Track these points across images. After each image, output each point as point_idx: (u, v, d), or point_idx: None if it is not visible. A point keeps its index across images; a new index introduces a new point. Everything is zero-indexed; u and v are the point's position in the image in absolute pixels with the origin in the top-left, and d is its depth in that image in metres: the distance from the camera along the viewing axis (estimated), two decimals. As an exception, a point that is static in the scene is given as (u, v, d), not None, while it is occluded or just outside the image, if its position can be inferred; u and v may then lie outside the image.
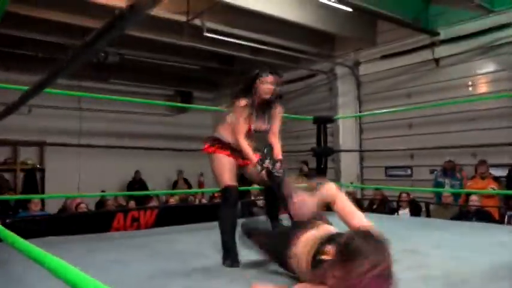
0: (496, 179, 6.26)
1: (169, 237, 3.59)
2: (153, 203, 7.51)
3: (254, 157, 2.55)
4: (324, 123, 5.32)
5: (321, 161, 5.52)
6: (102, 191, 8.33)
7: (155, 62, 9.10)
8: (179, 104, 10.07)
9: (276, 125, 2.75)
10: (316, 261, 1.75)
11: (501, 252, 2.71)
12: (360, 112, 8.48)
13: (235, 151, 2.64)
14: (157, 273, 2.28)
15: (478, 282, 2.01)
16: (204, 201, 7.91)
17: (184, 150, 9.85)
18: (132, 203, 7.74)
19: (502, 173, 6.39)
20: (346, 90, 8.71)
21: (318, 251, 1.76)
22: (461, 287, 1.91)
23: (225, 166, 2.60)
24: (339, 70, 8.81)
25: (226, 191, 2.58)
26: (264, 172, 2.50)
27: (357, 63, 8.55)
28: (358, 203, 7.08)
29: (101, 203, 8.30)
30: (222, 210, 2.60)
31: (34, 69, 7.75)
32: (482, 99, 6.65)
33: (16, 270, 2.26)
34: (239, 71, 10.14)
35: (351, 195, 7.18)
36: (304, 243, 1.90)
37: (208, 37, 7.26)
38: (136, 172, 10.07)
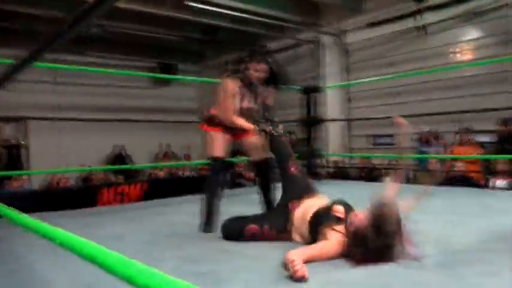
0: (480, 145, 6.36)
1: (160, 209, 3.57)
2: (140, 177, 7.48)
3: (251, 125, 2.63)
4: (312, 92, 5.29)
5: (310, 131, 5.53)
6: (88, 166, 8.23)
7: (136, 34, 8.83)
8: (164, 76, 9.83)
9: (270, 100, 2.81)
10: (321, 216, 1.99)
11: (490, 215, 2.77)
12: (347, 81, 8.45)
13: (229, 128, 2.71)
14: (154, 245, 2.27)
15: (473, 245, 2.04)
16: (187, 173, 7.88)
17: (169, 122, 9.70)
18: (120, 178, 7.69)
19: (485, 139, 6.49)
20: (332, 59, 8.65)
21: (325, 208, 2.02)
22: (457, 251, 1.93)
23: (217, 140, 2.71)
24: (325, 39, 8.71)
25: (213, 160, 2.70)
26: (266, 136, 2.56)
27: (343, 32, 8.46)
28: (345, 172, 7.25)
29: (86, 179, 8.23)
30: (208, 178, 2.71)
31: (11, 43, 7.48)
32: (467, 66, 6.68)
33: (17, 247, 2.24)
34: (223, 41, 9.96)
35: (338, 164, 7.28)
36: (304, 210, 2.13)
37: (190, 6, 7.07)
38: (120, 147, 9.96)
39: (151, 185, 5.82)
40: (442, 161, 6.35)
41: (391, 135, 8.02)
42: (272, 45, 9.82)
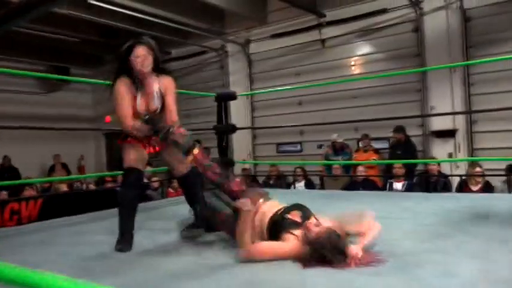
0: (377, 151, 6.91)
1: (74, 228, 3.17)
2: (31, 193, 6.65)
3: (144, 128, 2.37)
4: (226, 100, 5.23)
5: (222, 139, 5.44)
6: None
7: (25, 32, 7.93)
8: (58, 76, 8.91)
9: (170, 99, 2.49)
10: (278, 222, 2.05)
11: (413, 217, 2.97)
12: (251, 90, 8.58)
13: (145, 139, 2.47)
14: (88, 272, 1.98)
15: (416, 247, 2.14)
16: (91, 186, 7.27)
17: (62, 130, 8.89)
18: (3, 194, 6.76)
19: (381, 145, 7.08)
20: (237, 68, 8.73)
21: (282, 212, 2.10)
22: (404, 253, 2.01)
23: (130, 151, 2.45)
24: (230, 47, 8.77)
25: (126, 171, 2.46)
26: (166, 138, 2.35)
27: (248, 41, 8.59)
28: (254, 179, 7.32)
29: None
30: (120, 191, 2.48)
31: None
32: (362, 79, 7.21)
33: None
34: (123, 45, 9.44)
35: (246, 172, 7.31)
36: (261, 215, 2.14)
37: (88, 4, 6.56)
38: (5, 158, 8.82)
39: (49, 202, 5.23)
40: (347, 166, 6.76)
41: (294, 143, 8.34)
42: (177, 51, 9.62)
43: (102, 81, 4.46)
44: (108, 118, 11.47)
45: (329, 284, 1.62)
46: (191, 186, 2.65)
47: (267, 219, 2.10)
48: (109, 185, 7.06)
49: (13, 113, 8.95)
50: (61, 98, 10.56)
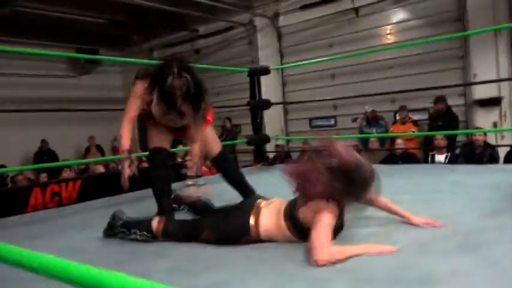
0: (415, 122, 6.64)
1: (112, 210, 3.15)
2: (69, 175, 6.77)
3: (125, 144, 2.25)
4: (259, 75, 5.08)
5: (256, 115, 5.32)
6: (2, 166, 7.32)
7: (52, 15, 7.94)
8: (90, 56, 8.94)
9: (197, 131, 2.36)
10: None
11: (465, 190, 2.79)
12: (281, 64, 8.37)
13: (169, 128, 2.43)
14: (136, 256, 1.93)
15: (483, 224, 1.99)
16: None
17: (95, 111, 8.95)
18: (43, 176, 6.93)
19: (420, 116, 6.79)
20: (266, 42, 8.51)
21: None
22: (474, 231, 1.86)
23: (155, 132, 2.41)
24: (258, 22, 8.53)
25: (151, 152, 2.44)
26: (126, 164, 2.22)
27: (277, 15, 8.33)
28: (288, 155, 7.20)
29: (2, 179, 7.35)
30: (150, 173, 2.42)
31: None
32: (398, 48, 6.89)
33: None
34: (150, 24, 9.37)
35: (280, 148, 7.20)
36: (268, 212, 1.92)
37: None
38: (43, 141, 9.02)
39: (87, 183, 5.28)
40: (383, 139, 6.54)
41: (328, 117, 8.14)
42: (204, 28, 9.47)
43: (132, 59, 4.47)
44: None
45: (396, 263, 1.50)
46: (224, 167, 2.64)
47: (282, 212, 1.88)
48: (144, 165, 7.09)
49: (46, 97, 9.10)
50: (91, 80, 10.65)
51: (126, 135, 2.26)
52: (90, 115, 9.36)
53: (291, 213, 1.85)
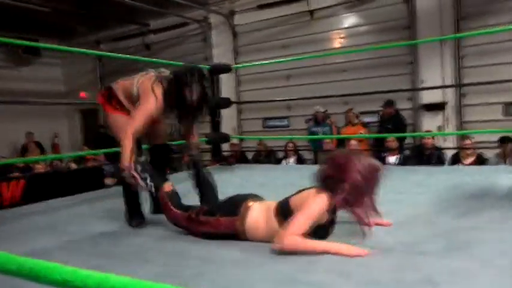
0: (365, 125, 6.86)
1: (71, 211, 2.94)
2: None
3: (126, 160, 2.11)
4: (220, 73, 5.00)
5: (215, 114, 5.24)
6: None
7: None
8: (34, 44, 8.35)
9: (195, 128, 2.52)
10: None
11: (429, 190, 2.90)
12: (235, 64, 8.30)
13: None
14: (103, 259, 1.79)
15: (451, 220, 2.07)
16: (72, 165, 6.93)
17: (34, 104, 8.40)
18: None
19: (371, 119, 7.02)
20: (221, 40, 8.41)
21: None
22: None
23: (123, 128, 2.24)
24: (213, 19, 8.41)
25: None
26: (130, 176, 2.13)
27: (232, 13, 8.26)
28: (243, 155, 7.16)
29: None
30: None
31: None
32: (351, 52, 7.07)
33: None
34: (98, 16, 8.93)
35: (235, 147, 7.13)
36: (258, 209, 1.91)
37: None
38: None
39: (32, 182, 4.91)
40: (336, 140, 6.69)
41: (281, 118, 8.19)
42: (156, 23, 9.19)
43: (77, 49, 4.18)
44: (83, 94, 11.01)
45: (392, 264, 1.50)
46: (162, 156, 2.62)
47: (272, 210, 1.87)
48: (90, 163, 6.75)
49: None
50: (31, 72, 9.98)
51: (129, 151, 2.11)
52: (28, 109, 8.76)
53: (283, 210, 1.83)
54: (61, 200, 3.40)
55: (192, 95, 2.15)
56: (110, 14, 8.82)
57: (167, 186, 2.16)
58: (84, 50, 5.72)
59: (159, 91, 2.19)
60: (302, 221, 1.69)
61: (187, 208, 2.08)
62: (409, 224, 2.07)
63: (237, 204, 1.93)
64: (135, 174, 2.10)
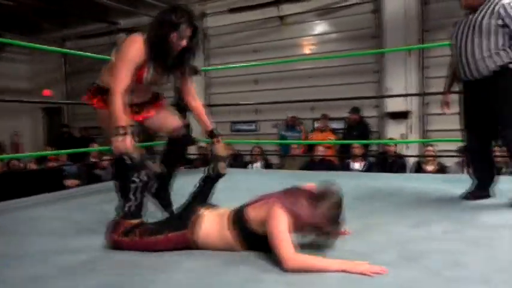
0: (333, 131, 6.94)
1: (20, 215, 2.82)
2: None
3: (122, 120, 1.90)
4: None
5: (184, 117, 5.15)
6: None
7: None
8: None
9: (192, 85, 2.28)
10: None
11: (380, 197, 2.94)
12: (205, 66, 8.24)
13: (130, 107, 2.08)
14: (50, 269, 1.71)
15: (406, 229, 2.09)
16: (32, 165, 6.68)
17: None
18: None
19: (337, 125, 7.11)
20: (190, 42, 8.32)
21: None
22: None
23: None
24: (183, 20, 8.32)
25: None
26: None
27: (203, 15, 8.20)
28: (207, 158, 7.08)
29: None
30: (118, 175, 2.19)
31: None
32: (320, 59, 7.15)
33: None
34: (65, 12, 8.70)
35: (203, 150, 7.06)
36: (211, 218, 1.85)
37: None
38: None
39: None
40: (302, 145, 6.74)
41: (249, 122, 8.18)
42: (125, 22, 9.03)
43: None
44: (46, 91, 10.72)
45: (341, 278, 1.50)
46: (181, 148, 2.45)
47: (225, 218, 1.82)
48: (51, 164, 6.53)
49: None
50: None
51: (122, 111, 1.91)
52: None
53: (238, 220, 1.78)
54: (14, 202, 3.25)
55: (181, 37, 1.95)
56: (78, 11, 8.60)
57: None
58: (48, 47, 5.54)
59: (137, 37, 1.97)
60: (285, 241, 1.60)
61: (130, 230, 1.89)
62: (365, 233, 2.08)
63: (185, 216, 1.87)
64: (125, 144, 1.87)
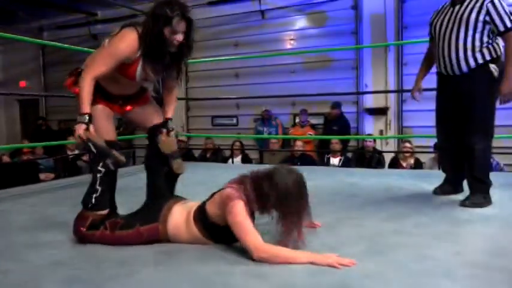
0: (313, 126, 6.98)
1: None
2: None
3: (86, 107, 1.83)
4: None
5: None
6: None
7: None
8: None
9: (176, 80, 2.12)
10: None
11: (355, 192, 2.98)
12: (185, 60, 8.17)
13: (110, 97, 2.02)
14: (11, 263, 1.68)
15: (375, 223, 2.13)
16: (5, 158, 6.53)
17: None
18: None
19: (316, 121, 7.15)
20: (171, 35, 8.23)
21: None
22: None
23: (99, 117, 1.97)
24: (163, 13, 8.21)
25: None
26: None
27: (183, 7, 8.11)
28: (190, 153, 7.06)
29: None
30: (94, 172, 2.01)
31: None
32: (300, 53, 7.19)
33: None
34: (41, 2, 8.49)
35: (182, 144, 7.03)
36: (179, 212, 1.84)
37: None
38: None
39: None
40: (282, 140, 6.76)
41: (230, 116, 8.16)
42: (104, 13, 8.87)
43: (17, 36, 3.91)
44: (23, 83, 10.45)
45: (311, 268, 1.51)
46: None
47: (192, 214, 1.81)
48: (26, 157, 6.39)
49: None
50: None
51: (87, 98, 1.83)
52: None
53: (200, 214, 1.79)
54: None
55: (176, 32, 1.83)
56: (55, 1, 8.40)
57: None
58: (25, 37, 5.40)
59: (131, 33, 1.85)
60: (250, 231, 1.61)
61: (99, 224, 1.86)
62: (336, 226, 2.10)
63: (156, 209, 1.85)
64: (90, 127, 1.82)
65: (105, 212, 1.90)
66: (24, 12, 9.33)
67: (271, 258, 1.57)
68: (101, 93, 1.98)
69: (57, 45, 4.94)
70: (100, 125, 1.95)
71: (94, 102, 1.93)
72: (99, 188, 1.88)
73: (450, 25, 2.57)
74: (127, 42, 1.85)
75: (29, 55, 10.11)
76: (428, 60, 2.91)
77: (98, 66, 1.87)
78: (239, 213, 1.64)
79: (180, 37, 1.87)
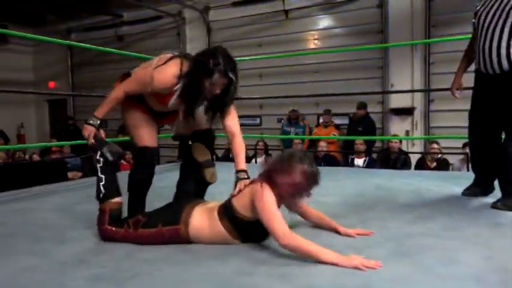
0: (337, 126, 6.90)
1: (16, 206, 2.82)
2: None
3: (100, 112, 1.98)
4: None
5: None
6: None
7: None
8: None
9: (232, 119, 2.09)
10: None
11: (380, 193, 2.92)
12: (209, 60, 8.22)
13: (154, 112, 2.07)
14: (36, 259, 1.71)
15: (402, 225, 2.07)
16: (35, 157, 6.71)
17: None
18: None
19: (341, 121, 7.06)
20: (195, 36, 8.31)
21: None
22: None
23: (142, 122, 2.06)
24: (188, 14, 8.31)
25: (143, 150, 2.09)
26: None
27: (207, 8, 8.17)
28: (213, 153, 7.08)
29: None
30: (136, 172, 2.14)
31: None
32: (324, 53, 7.10)
33: None
34: (69, 4, 8.70)
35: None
36: (200, 213, 1.84)
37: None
38: None
39: (-12, 174, 4.74)
40: (308, 141, 6.71)
41: (253, 116, 8.16)
42: (129, 15, 9.02)
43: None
44: (52, 84, 10.74)
45: (336, 269, 1.48)
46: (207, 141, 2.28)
47: (215, 212, 1.82)
48: (54, 156, 6.55)
49: None
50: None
51: (109, 105, 1.97)
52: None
53: (226, 210, 1.80)
54: (13, 193, 3.25)
55: (214, 85, 1.83)
56: (82, 3, 8.59)
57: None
58: (53, 38, 5.54)
59: (173, 68, 1.86)
60: (278, 218, 1.64)
61: (123, 221, 1.91)
62: (362, 228, 2.05)
63: (178, 210, 1.86)
64: (94, 135, 1.97)
65: (118, 199, 1.96)
66: (53, 15, 9.60)
67: (296, 247, 1.58)
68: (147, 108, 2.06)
69: (84, 46, 5.05)
70: (143, 128, 2.07)
71: (139, 110, 2.05)
72: (102, 176, 1.96)
73: (496, 17, 2.35)
74: (164, 80, 1.86)
75: (57, 56, 10.38)
76: (470, 55, 2.71)
77: (134, 85, 1.95)
78: (268, 201, 1.68)
79: (217, 91, 1.86)
